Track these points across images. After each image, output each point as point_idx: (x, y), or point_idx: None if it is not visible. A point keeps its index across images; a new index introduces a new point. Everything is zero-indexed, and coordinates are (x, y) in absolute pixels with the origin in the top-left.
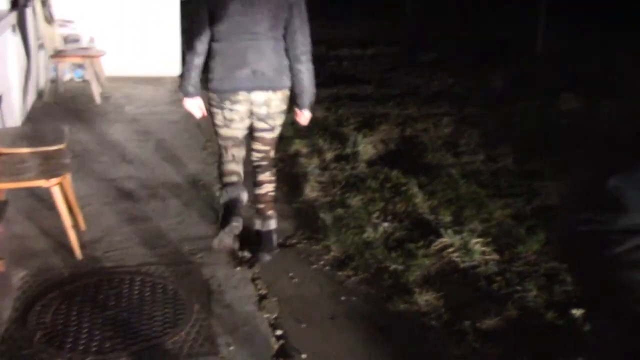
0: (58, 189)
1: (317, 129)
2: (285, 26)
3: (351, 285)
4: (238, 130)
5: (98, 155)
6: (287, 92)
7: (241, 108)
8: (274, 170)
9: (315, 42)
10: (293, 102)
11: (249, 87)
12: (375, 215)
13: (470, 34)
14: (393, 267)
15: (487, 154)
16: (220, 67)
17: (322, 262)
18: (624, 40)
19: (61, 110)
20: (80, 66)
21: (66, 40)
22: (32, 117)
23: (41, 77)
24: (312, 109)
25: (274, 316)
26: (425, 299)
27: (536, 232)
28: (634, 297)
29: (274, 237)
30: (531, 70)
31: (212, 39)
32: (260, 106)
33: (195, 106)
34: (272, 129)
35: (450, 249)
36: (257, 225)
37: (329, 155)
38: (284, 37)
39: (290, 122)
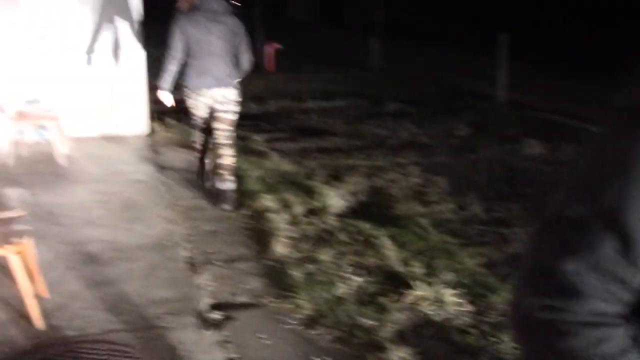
0: (16, 257)
1: (285, 183)
2: (236, 49)
3: (324, 344)
4: (202, 111)
5: (62, 218)
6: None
7: (204, 99)
8: (234, 147)
9: (280, 95)
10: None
11: (210, 86)
12: (347, 269)
13: (431, 83)
14: (366, 323)
15: (456, 202)
16: (193, 74)
17: (293, 321)
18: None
19: (23, 173)
20: (42, 127)
21: (27, 101)
22: None
23: (1, 140)
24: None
25: None
26: (399, 355)
27: (509, 280)
28: None
29: (232, 194)
30: (491, 117)
31: (188, 56)
32: (218, 98)
33: (167, 97)
34: (229, 112)
35: (423, 302)
36: (218, 185)
37: (299, 210)
38: (236, 56)
39: (259, 178)
